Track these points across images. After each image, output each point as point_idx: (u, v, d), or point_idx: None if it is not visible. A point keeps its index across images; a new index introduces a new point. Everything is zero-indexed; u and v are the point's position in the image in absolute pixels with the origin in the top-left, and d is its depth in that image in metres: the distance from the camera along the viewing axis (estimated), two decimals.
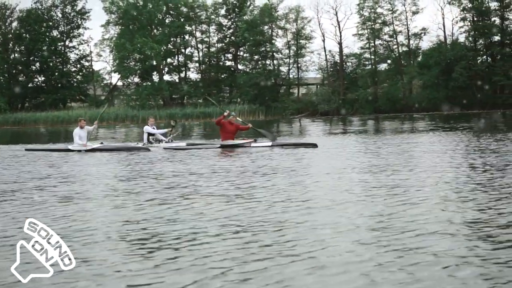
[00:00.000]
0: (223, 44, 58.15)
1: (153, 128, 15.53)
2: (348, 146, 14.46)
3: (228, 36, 57.73)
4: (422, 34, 54.53)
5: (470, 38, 54.08)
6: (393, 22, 54.38)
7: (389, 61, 55.44)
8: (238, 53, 57.67)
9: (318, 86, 57.57)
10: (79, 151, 13.79)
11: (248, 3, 56.94)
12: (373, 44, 54.62)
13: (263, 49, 55.39)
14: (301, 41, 55.46)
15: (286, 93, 55.42)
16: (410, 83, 54.21)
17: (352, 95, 53.00)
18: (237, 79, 54.79)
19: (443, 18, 59.66)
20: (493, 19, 53.82)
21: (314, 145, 12.82)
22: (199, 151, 13.22)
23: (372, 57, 54.83)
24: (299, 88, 57.91)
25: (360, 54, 54.90)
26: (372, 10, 54.28)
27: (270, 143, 13.37)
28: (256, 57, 56.00)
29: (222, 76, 58.02)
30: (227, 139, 13.74)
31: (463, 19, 53.85)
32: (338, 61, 55.62)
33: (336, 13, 55.59)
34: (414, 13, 54.30)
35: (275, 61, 56.09)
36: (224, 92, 57.37)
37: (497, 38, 53.53)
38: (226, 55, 58.60)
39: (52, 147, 15.71)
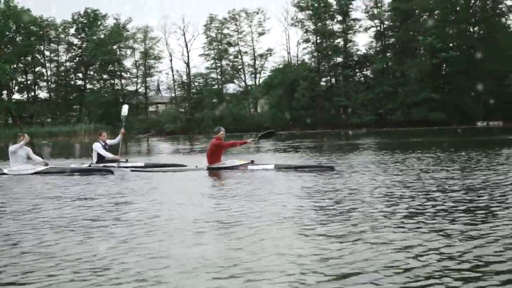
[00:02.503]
0: (73, 63, 57.98)
1: (104, 146, 12.81)
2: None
3: (78, 55, 57.59)
4: (268, 55, 55.68)
5: (314, 59, 55.38)
6: (238, 43, 55.38)
7: (235, 81, 56.33)
8: (88, 72, 57.53)
9: (166, 105, 57.92)
10: (26, 174, 11.43)
11: (99, 23, 57.06)
12: (219, 64, 55.41)
13: (111, 68, 55.48)
14: (149, 61, 55.85)
15: (134, 112, 55.36)
16: (255, 103, 55.15)
17: (198, 114, 53.49)
18: (85, 98, 54.68)
19: (288, 39, 61.44)
20: (337, 41, 55.26)
21: (331, 168, 10.73)
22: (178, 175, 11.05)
23: (219, 77, 55.55)
24: (147, 107, 58.08)
25: (206, 74, 55.54)
26: (219, 31, 55.21)
27: (272, 166, 11.31)
28: (104, 76, 56.07)
29: (73, 95, 57.71)
30: (216, 161, 11.58)
31: (307, 40, 55.25)
32: (186, 80, 56.08)
33: (184, 33, 56.37)
34: (260, 34, 55.53)
35: (123, 81, 56.27)
36: (74, 111, 57.05)
37: (339, 59, 54.93)
38: (76, 74, 58.36)
39: None
